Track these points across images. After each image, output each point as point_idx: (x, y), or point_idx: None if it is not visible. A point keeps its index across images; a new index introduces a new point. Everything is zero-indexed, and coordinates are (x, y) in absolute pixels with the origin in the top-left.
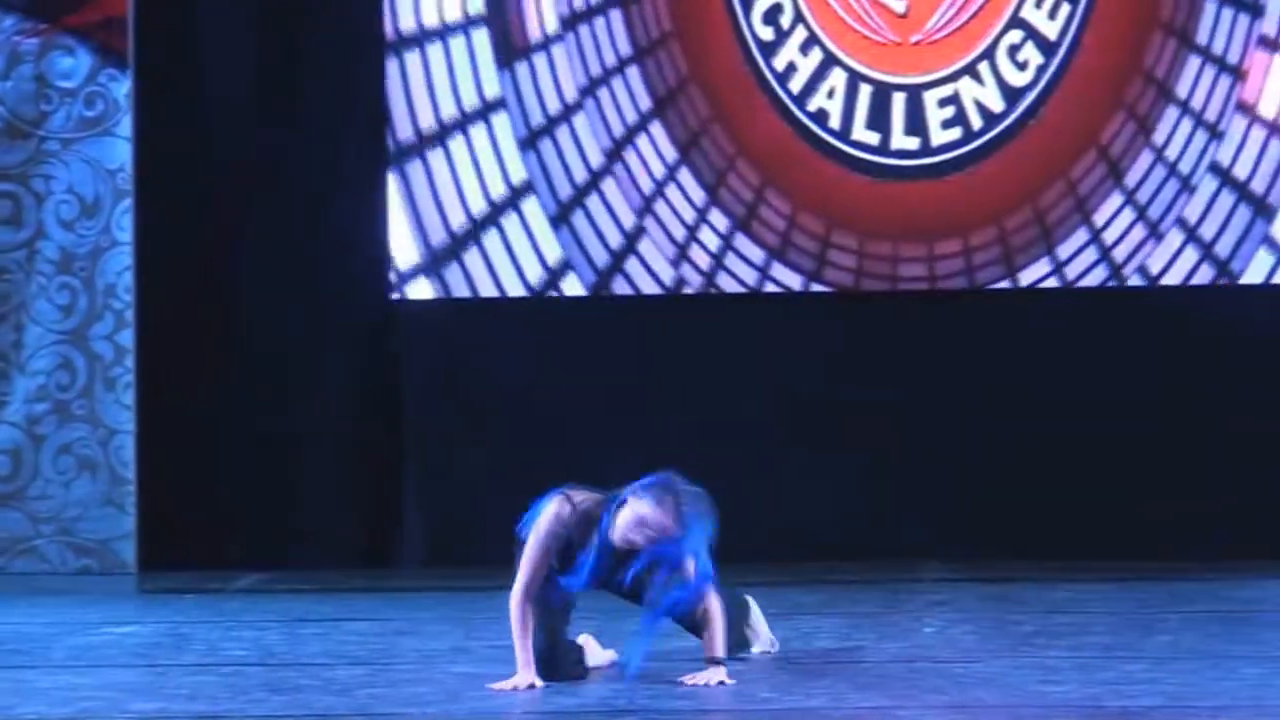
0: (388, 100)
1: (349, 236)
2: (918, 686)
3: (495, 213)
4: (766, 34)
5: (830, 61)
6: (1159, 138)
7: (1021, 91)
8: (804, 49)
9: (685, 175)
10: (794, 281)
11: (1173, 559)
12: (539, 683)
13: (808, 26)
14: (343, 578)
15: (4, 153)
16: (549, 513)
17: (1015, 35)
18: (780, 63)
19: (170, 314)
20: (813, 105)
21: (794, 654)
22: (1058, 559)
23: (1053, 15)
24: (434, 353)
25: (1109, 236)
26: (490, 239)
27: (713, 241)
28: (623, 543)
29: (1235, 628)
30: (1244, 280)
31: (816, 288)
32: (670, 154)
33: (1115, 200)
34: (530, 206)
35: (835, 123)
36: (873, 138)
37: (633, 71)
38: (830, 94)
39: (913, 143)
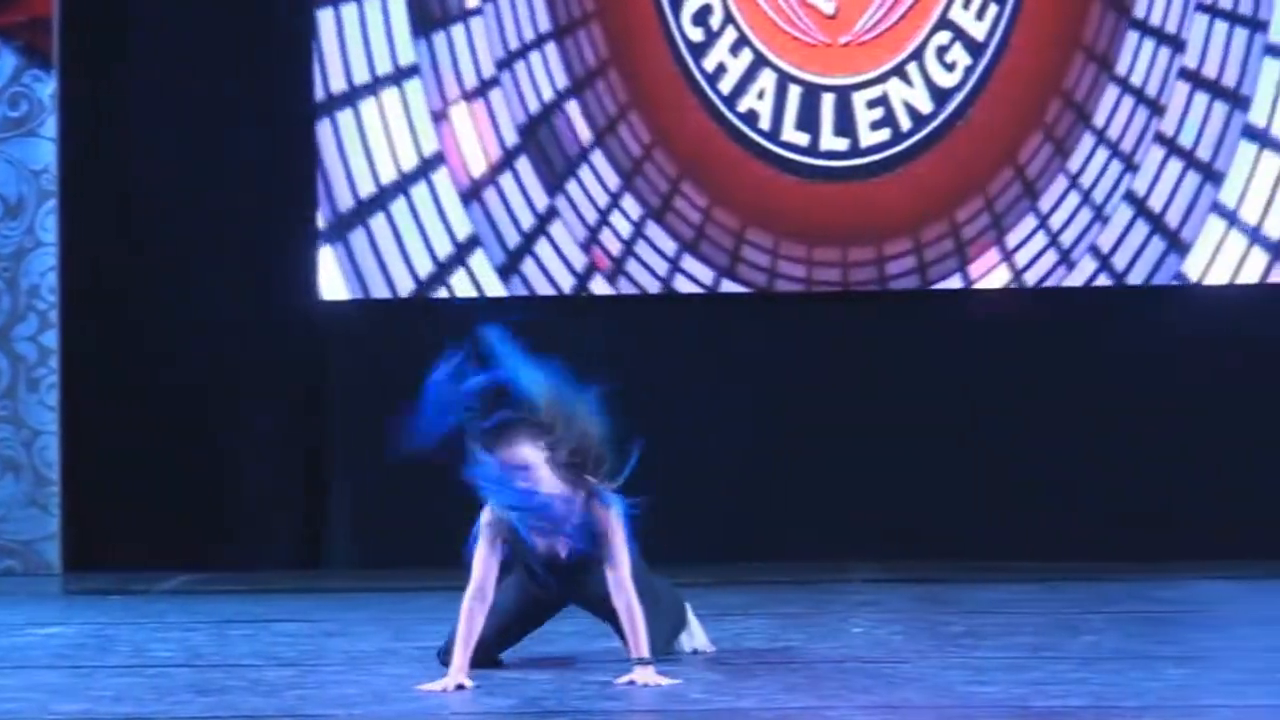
0: (316, 94)
1: (275, 235)
2: (847, 687)
3: (405, 182)
4: (696, 35)
5: (760, 62)
6: (1074, 163)
7: (950, 92)
8: (734, 50)
9: (600, 160)
10: (707, 276)
11: (1098, 560)
12: (468, 684)
13: (738, 28)
14: (271, 579)
15: None
16: (483, 516)
17: (943, 36)
18: (710, 64)
19: (94, 315)
20: (743, 106)
21: (724, 655)
22: (985, 560)
23: (980, 16)
24: (362, 353)
25: (1017, 240)
26: (399, 208)
27: (625, 229)
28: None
29: (1159, 628)
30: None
31: (732, 287)
32: (587, 137)
33: (1030, 221)
34: (441, 179)
35: (765, 124)
36: (802, 139)
37: (551, 49)
38: (760, 95)
39: (842, 144)
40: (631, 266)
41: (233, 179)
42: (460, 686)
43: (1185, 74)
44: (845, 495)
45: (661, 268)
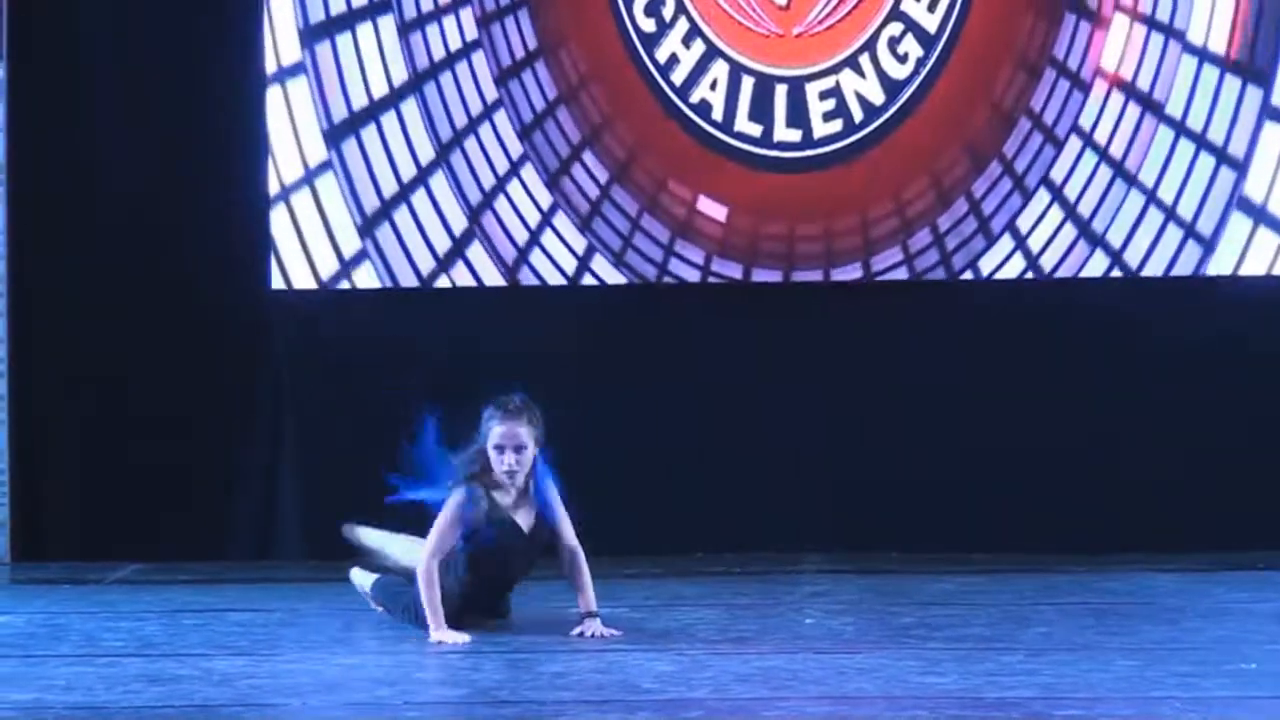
0: (267, 75)
1: (226, 225)
2: (799, 678)
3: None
4: (648, 25)
5: (713, 53)
6: (1010, 148)
7: (902, 84)
8: (686, 41)
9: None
10: (651, 271)
11: (1047, 553)
12: (463, 638)
13: (690, 18)
14: (222, 568)
15: None
16: (457, 496)
17: (895, 28)
18: (663, 54)
19: (43, 304)
20: (695, 97)
21: (676, 645)
22: (936, 552)
23: (932, 8)
24: (313, 343)
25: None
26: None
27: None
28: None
29: (1108, 620)
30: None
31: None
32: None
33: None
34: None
35: (718, 114)
36: (755, 129)
37: (540, 66)
38: (713, 86)
39: (795, 135)
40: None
41: (184, 165)
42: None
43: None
44: (796, 486)
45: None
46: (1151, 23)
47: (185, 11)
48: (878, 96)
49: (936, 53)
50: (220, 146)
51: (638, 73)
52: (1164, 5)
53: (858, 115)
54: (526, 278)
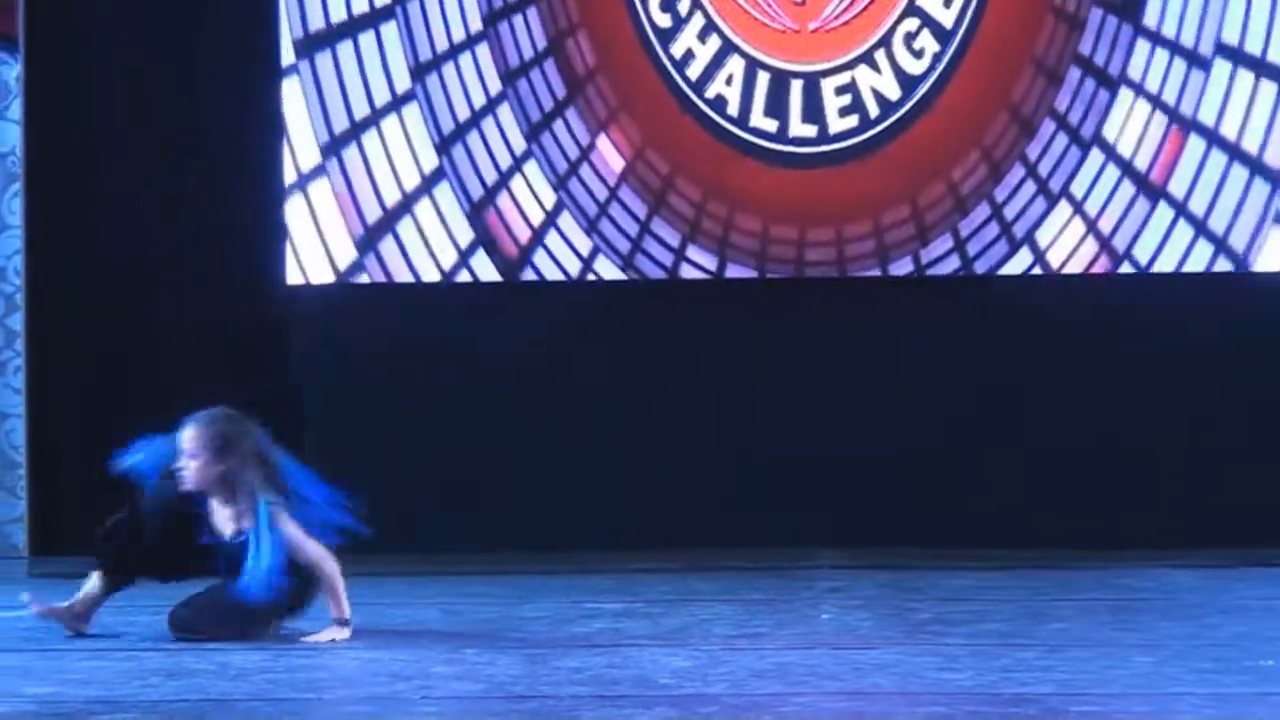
0: (282, 68)
1: (245, 219)
2: (815, 673)
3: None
4: (664, 20)
5: (728, 48)
6: (1034, 150)
7: (918, 79)
8: (702, 36)
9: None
10: (710, 263)
11: (1065, 548)
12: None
13: (705, 13)
14: None
15: None
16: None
17: (911, 23)
18: (678, 49)
19: (61, 297)
20: (710, 92)
21: (692, 641)
22: (953, 547)
23: (948, 3)
24: (329, 338)
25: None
26: (404, 226)
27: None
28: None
29: (1126, 616)
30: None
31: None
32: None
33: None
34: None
35: (734, 110)
36: (770, 125)
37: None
38: (728, 81)
39: (810, 130)
40: (638, 260)
41: (199, 159)
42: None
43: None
44: (812, 481)
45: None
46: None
47: (198, 4)
48: (894, 92)
49: (953, 48)
50: (234, 140)
51: (653, 67)
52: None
53: (874, 111)
54: (530, 276)
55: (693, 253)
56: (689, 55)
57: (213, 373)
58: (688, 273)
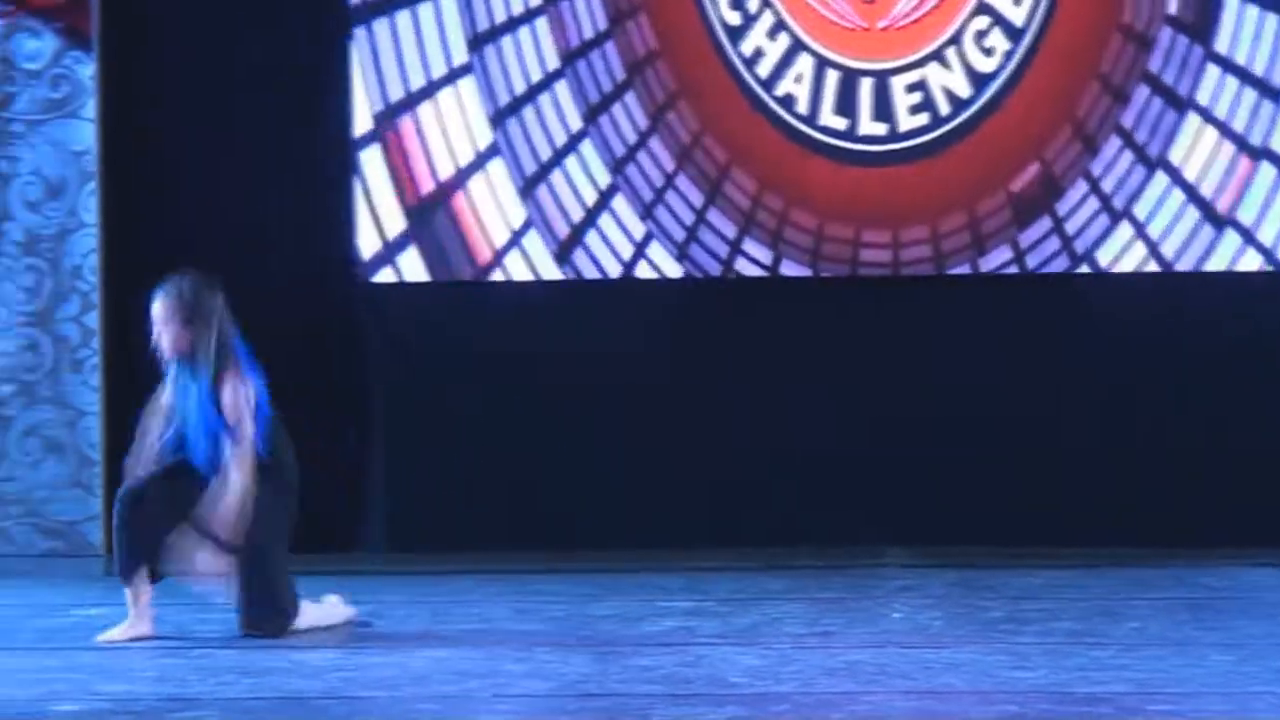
0: (351, 74)
1: (316, 217)
2: (886, 672)
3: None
4: (733, 18)
5: (798, 47)
6: (1097, 166)
7: (989, 77)
8: (771, 34)
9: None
10: (765, 257)
11: (1140, 546)
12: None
13: (775, 12)
14: (307, 561)
15: None
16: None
17: (982, 21)
18: (748, 47)
19: (136, 295)
20: (780, 90)
21: (762, 639)
22: (1025, 545)
23: (1018, 1)
24: (402, 336)
25: (1070, 225)
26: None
27: (687, 216)
28: None
29: (1203, 614)
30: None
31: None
32: (642, 122)
33: (1081, 188)
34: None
35: (803, 108)
36: (840, 123)
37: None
38: (798, 79)
39: (880, 128)
40: (693, 250)
41: (271, 157)
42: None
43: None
44: (883, 480)
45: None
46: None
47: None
48: (965, 90)
49: (1024, 46)
50: (308, 139)
51: (725, 69)
52: None
53: (944, 109)
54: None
55: (746, 244)
56: (758, 53)
57: (288, 368)
58: (740, 265)
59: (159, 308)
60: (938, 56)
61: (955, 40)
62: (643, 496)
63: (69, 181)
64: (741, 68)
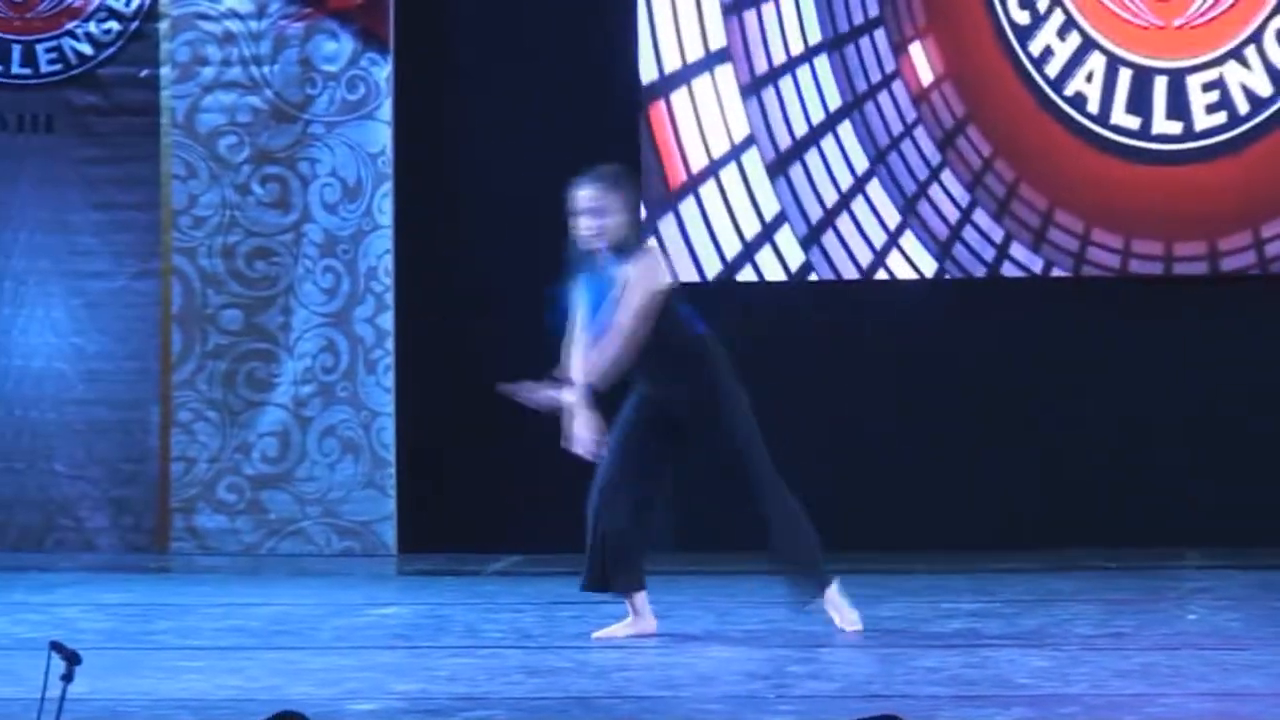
0: (643, 95)
1: None
2: (1181, 674)
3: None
4: (1022, 18)
5: (1089, 45)
6: None
7: None
8: (1061, 33)
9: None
10: (1036, 265)
11: None
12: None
13: (1065, 10)
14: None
15: (272, 136)
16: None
17: None
18: (1036, 47)
19: (429, 297)
20: (1070, 89)
21: (1052, 640)
22: None
23: None
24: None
25: None
26: (708, 191)
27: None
28: None
29: None
30: None
31: (1056, 271)
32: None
33: None
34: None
35: (1094, 107)
36: (1133, 122)
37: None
38: (1089, 78)
39: (1175, 127)
40: (957, 249)
41: (564, 161)
42: None
43: None
44: (1180, 481)
45: (988, 253)
46: None
47: (565, 6)
48: (1265, 88)
49: None
50: (599, 149)
51: (1011, 66)
52: None
53: (1243, 108)
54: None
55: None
56: (1048, 52)
57: None
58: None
59: (595, 197)
60: (1236, 55)
61: (1255, 39)
62: (927, 498)
63: (365, 183)
64: (1030, 68)
